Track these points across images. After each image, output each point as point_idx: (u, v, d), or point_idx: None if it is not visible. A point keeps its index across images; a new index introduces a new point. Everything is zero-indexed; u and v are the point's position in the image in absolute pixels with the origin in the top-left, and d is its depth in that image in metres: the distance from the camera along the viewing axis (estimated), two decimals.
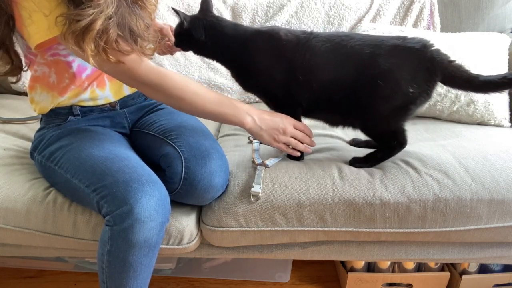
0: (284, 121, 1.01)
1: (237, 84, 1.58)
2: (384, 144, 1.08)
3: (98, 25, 0.83)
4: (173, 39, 1.11)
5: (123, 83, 0.98)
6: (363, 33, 1.27)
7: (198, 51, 1.10)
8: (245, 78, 1.09)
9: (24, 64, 1.01)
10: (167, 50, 1.18)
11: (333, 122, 1.09)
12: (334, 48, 1.00)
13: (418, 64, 0.98)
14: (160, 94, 0.95)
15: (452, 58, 1.00)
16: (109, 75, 0.97)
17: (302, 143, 1.05)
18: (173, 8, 1.04)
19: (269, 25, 1.56)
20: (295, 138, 1.03)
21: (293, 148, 1.05)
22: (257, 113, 0.99)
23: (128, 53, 0.89)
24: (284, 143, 1.02)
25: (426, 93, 1.00)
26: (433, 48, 0.99)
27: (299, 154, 1.06)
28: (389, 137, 1.06)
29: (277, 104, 1.08)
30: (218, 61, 1.10)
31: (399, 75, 0.98)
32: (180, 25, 1.04)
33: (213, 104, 0.96)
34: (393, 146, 1.07)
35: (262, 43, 1.03)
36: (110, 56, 0.87)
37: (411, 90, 0.98)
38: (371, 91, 0.98)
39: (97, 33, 0.84)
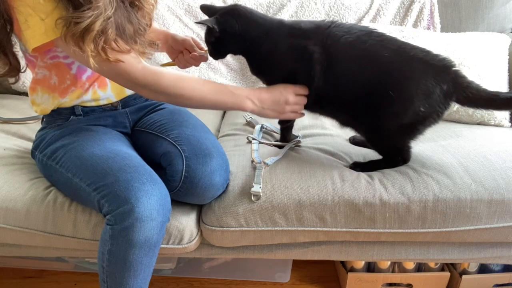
0: (283, 93, 1.00)
1: (237, 84, 1.59)
2: (387, 157, 1.07)
3: (97, 26, 0.84)
4: (197, 50, 1.11)
5: (122, 86, 0.99)
6: None
7: (237, 48, 1.05)
8: (263, 67, 1.06)
9: (22, 65, 1.01)
10: (193, 63, 1.15)
11: (343, 122, 1.08)
12: (353, 41, 0.97)
13: (435, 84, 0.95)
14: (159, 94, 0.95)
15: (470, 79, 0.97)
16: (108, 77, 0.98)
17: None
18: (196, 22, 1.03)
19: None
20: (298, 105, 1.03)
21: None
22: (256, 94, 0.99)
23: (127, 52, 0.90)
24: (291, 112, 1.03)
25: (436, 114, 0.98)
26: (454, 69, 0.96)
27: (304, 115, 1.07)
28: (393, 152, 1.06)
29: None
30: (245, 53, 1.06)
31: (413, 91, 0.95)
32: (210, 33, 1.01)
33: (212, 95, 0.97)
34: (396, 161, 1.07)
35: (285, 33, 1.01)
36: (110, 56, 0.87)
37: (421, 109, 0.95)
38: (381, 99, 0.96)
39: (97, 34, 0.85)
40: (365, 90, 0.98)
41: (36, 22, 0.85)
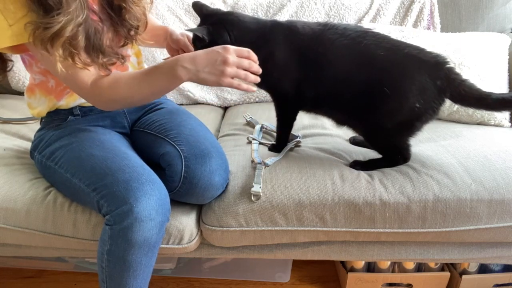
0: (221, 52, 0.84)
1: None
2: (387, 156, 1.07)
3: (68, 31, 0.83)
4: (191, 50, 1.08)
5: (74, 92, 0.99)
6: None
7: None
8: (264, 75, 1.06)
9: (8, 65, 1.01)
10: None
11: (339, 121, 1.09)
12: (348, 43, 0.98)
13: (429, 80, 0.96)
14: (104, 103, 0.95)
15: (464, 77, 0.98)
16: (63, 82, 0.97)
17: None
18: (187, 30, 1.01)
19: None
20: (242, 68, 0.86)
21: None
22: (187, 57, 0.86)
23: (88, 65, 0.89)
24: (234, 77, 0.86)
25: (432, 110, 0.99)
26: (447, 66, 0.98)
27: (254, 89, 0.90)
28: (393, 151, 1.06)
29: (283, 100, 1.08)
30: None
31: (408, 87, 0.96)
32: (200, 41, 0.99)
33: (145, 82, 0.90)
34: (396, 160, 1.07)
35: (281, 36, 1.01)
36: (77, 63, 0.87)
37: (417, 105, 0.96)
38: (378, 97, 0.97)
39: (66, 40, 0.84)
40: (362, 90, 0.99)
41: (1, 26, 0.84)
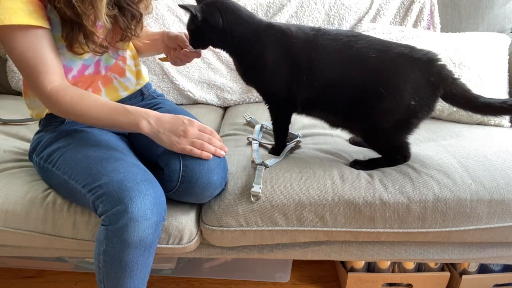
0: (185, 124, 0.93)
1: (237, 84, 1.59)
2: (387, 156, 1.07)
3: None
4: (189, 46, 1.07)
5: (31, 90, 0.98)
6: (364, 33, 1.27)
7: (218, 42, 1.03)
8: (250, 70, 1.06)
9: None
10: (185, 59, 1.10)
11: (334, 123, 1.09)
12: (340, 48, 0.99)
13: (422, 77, 0.97)
14: (60, 112, 0.95)
15: (456, 76, 0.99)
16: (23, 76, 0.97)
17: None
18: (180, 5, 0.99)
19: None
20: (201, 140, 0.95)
21: (202, 151, 0.95)
22: (154, 115, 0.93)
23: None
24: (189, 145, 0.93)
25: (427, 107, 0.99)
26: (439, 62, 0.98)
27: (210, 156, 0.95)
28: (392, 150, 1.06)
29: (274, 102, 1.08)
30: (229, 50, 1.05)
31: (402, 85, 0.97)
32: (192, 20, 0.99)
33: (107, 115, 0.93)
34: (396, 159, 1.07)
35: (274, 37, 1.01)
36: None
37: (412, 103, 0.97)
38: (373, 98, 0.98)
39: None
40: (357, 92, 0.99)
41: None
